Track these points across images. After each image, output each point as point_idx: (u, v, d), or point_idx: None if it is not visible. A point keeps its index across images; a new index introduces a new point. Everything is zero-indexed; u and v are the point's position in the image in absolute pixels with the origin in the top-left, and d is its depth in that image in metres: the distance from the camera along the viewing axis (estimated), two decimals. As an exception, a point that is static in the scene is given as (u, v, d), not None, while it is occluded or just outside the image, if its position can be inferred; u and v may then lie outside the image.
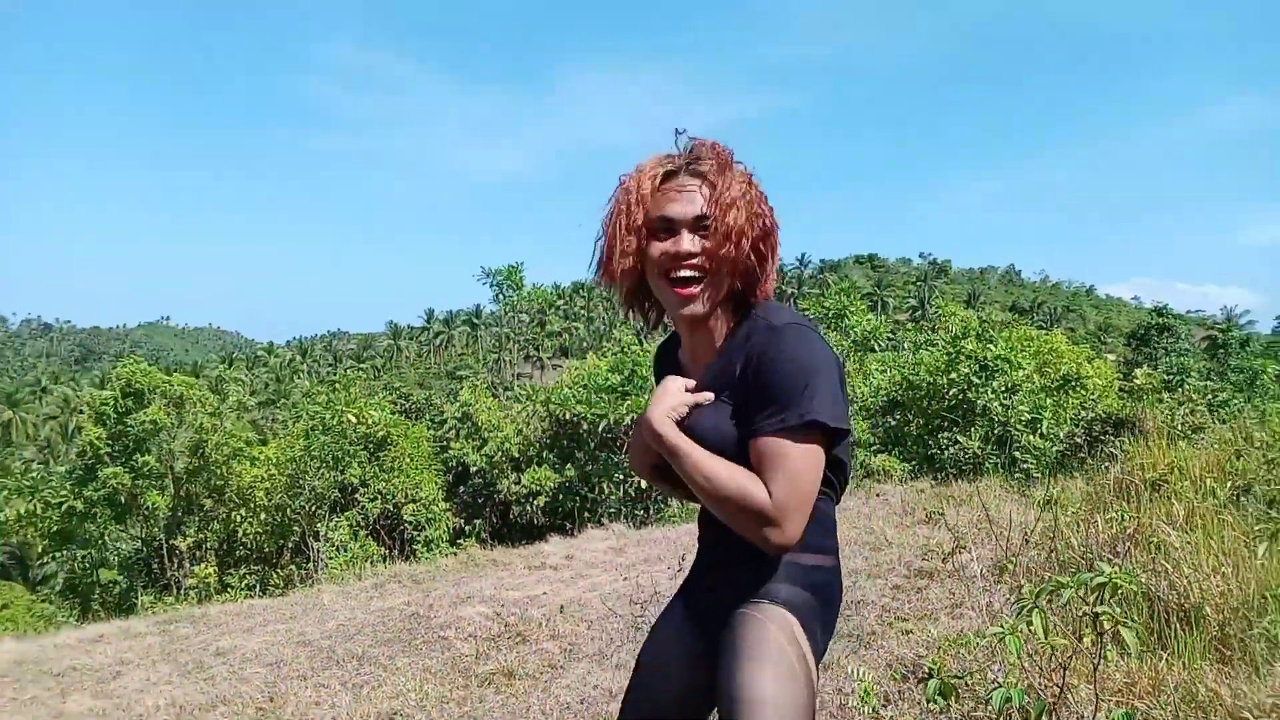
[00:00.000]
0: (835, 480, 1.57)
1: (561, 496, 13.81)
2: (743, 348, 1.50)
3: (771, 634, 1.46)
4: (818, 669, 1.53)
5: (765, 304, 1.56)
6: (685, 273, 1.50)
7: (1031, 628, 2.06)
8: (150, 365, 18.20)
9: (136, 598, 14.74)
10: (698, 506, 1.61)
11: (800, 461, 1.40)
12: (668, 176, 1.55)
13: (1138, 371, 13.44)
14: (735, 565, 1.58)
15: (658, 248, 1.51)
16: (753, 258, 1.53)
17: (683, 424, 1.54)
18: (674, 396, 1.55)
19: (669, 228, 1.51)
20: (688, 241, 1.49)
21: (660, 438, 1.51)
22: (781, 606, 1.50)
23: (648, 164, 1.57)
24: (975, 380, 12.16)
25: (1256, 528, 3.94)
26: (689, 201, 1.50)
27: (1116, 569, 2.09)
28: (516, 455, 14.76)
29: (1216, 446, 6.21)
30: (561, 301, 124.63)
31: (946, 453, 11.72)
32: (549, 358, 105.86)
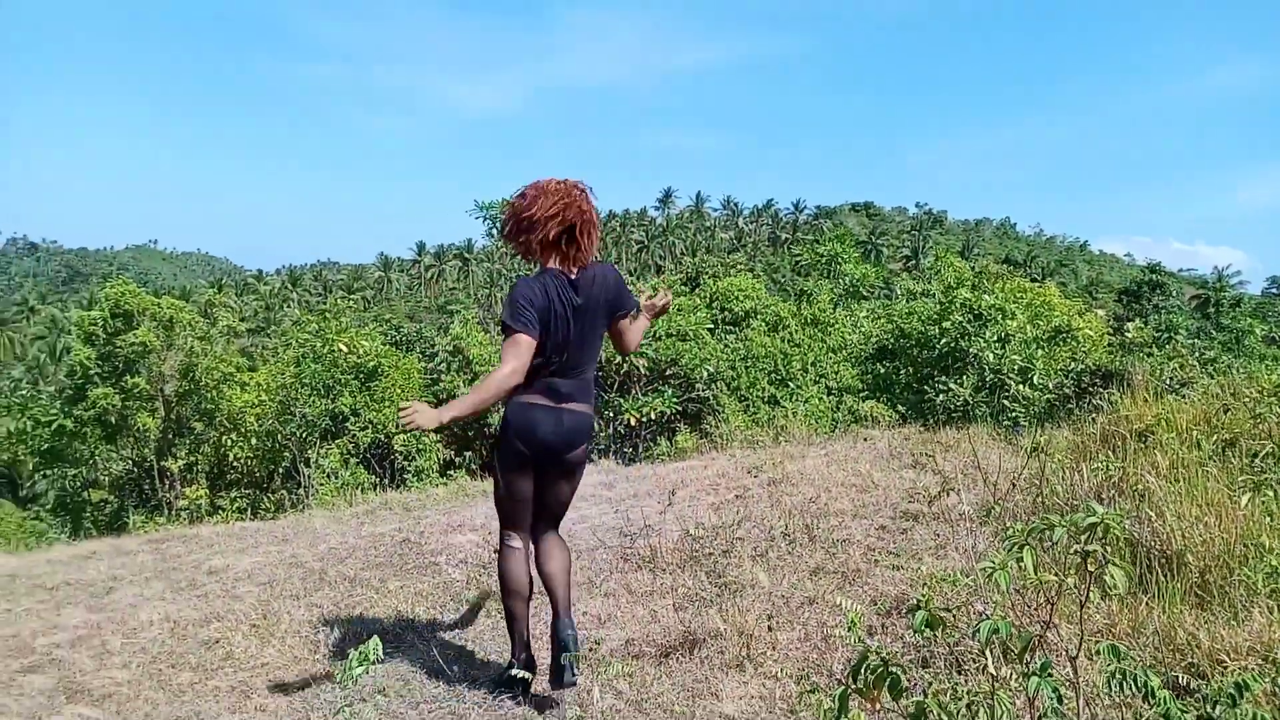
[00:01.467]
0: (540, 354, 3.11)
1: (551, 432, 13.89)
2: None
3: None
4: (509, 458, 3.30)
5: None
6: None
7: (1021, 564, 2.09)
8: (140, 288, 18.02)
9: (128, 517, 14.83)
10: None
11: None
12: None
13: (1129, 325, 13.50)
14: None
15: None
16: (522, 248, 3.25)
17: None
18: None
19: None
20: None
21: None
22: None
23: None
24: (969, 329, 12.19)
25: (1240, 479, 4.00)
26: None
27: (1107, 512, 2.12)
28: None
29: (1203, 401, 6.27)
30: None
31: (938, 399, 11.79)
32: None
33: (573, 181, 3.24)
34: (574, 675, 3.23)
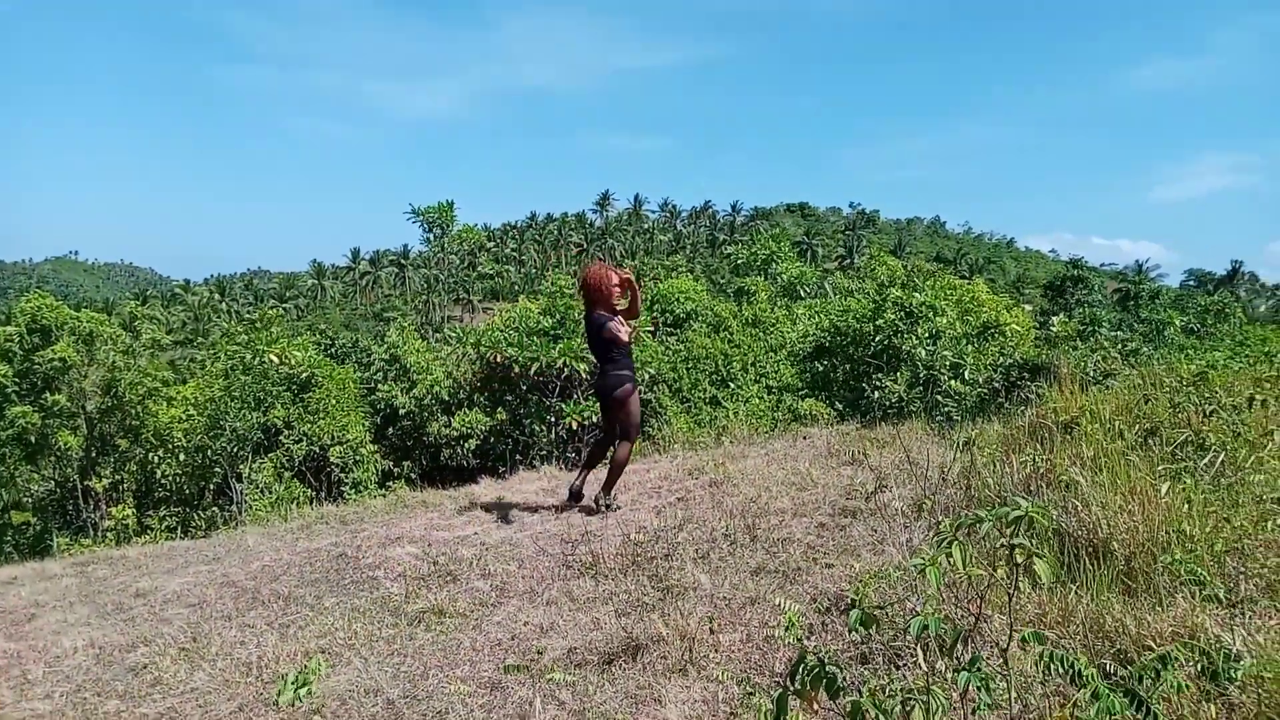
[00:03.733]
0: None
1: (493, 439, 13.74)
2: None
3: None
4: None
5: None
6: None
7: (951, 559, 2.13)
8: (58, 301, 17.33)
9: (51, 540, 14.26)
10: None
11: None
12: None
13: (1054, 320, 13.90)
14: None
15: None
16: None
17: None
18: None
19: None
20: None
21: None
22: None
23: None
24: (901, 326, 12.43)
25: (1161, 468, 4.14)
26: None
27: (1032, 504, 2.16)
28: (447, 398, 14.58)
29: (1126, 391, 6.47)
30: (492, 244, 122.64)
31: (874, 396, 12.00)
32: (479, 301, 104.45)
33: (593, 270, 6.25)
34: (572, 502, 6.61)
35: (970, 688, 1.93)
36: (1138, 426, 5.23)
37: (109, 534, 13.03)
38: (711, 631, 3.65)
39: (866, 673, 3.14)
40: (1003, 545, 2.19)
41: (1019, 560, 2.21)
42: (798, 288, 27.31)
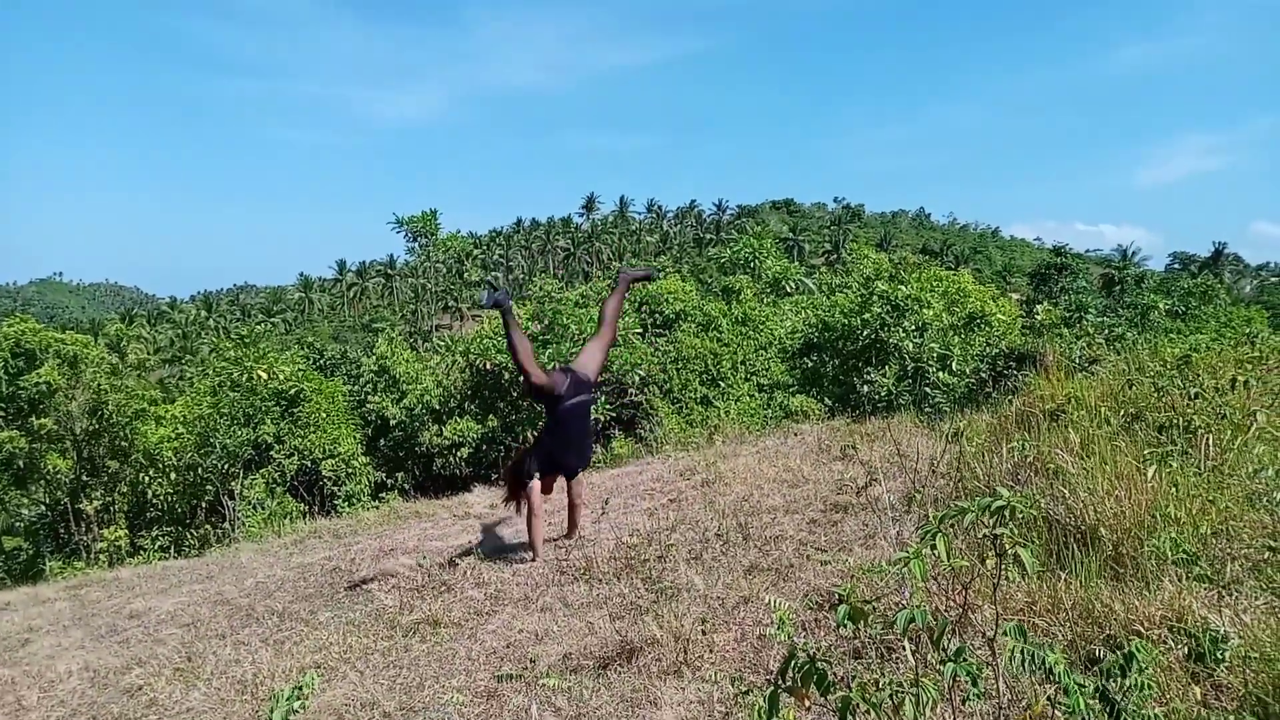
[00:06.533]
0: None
1: (485, 447, 13.72)
2: None
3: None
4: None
5: None
6: None
7: (935, 552, 2.14)
8: (43, 324, 17.22)
9: (44, 564, 14.15)
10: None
11: None
12: None
13: (1039, 308, 13.95)
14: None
15: None
16: None
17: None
18: None
19: None
20: None
21: None
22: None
23: None
24: (888, 320, 12.46)
25: (1146, 452, 4.16)
26: None
27: (1015, 494, 2.18)
28: (437, 407, 14.56)
29: (1111, 377, 6.51)
30: (479, 251, 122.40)
31: (863, 390, 12.03)
32: (468, 308, 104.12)
33: None
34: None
35: (959, 678, 1.94)
36: (1123, 412, 5.27)
37: (101, 556, 12.97)
38: (704, 633, 3.66)
39: (859, 667, 3.15)
40: (985, 537, 2.20)
41: (1009, 548, 2.22)
42: (783, 283, 27.33)
